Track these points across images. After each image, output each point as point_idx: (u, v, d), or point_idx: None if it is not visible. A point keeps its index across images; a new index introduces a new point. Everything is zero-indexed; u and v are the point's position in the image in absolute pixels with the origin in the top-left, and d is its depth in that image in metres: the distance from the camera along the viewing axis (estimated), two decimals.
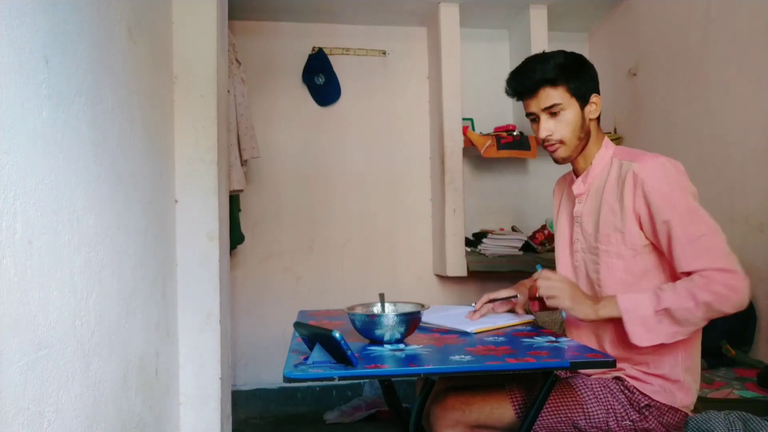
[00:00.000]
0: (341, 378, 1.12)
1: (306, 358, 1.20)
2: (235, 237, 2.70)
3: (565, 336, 1.43)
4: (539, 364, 1.20)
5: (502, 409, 1.38)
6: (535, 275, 1.43)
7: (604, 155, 1.48)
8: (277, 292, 3.18)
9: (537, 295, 1.43)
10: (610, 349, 1.43)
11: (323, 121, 3.26)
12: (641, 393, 1.38)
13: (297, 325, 1.26)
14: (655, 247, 1.37)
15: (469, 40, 3.26)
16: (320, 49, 3.23)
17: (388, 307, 1.47)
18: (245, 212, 3.08)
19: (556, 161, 1.51)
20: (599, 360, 1.22)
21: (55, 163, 1.06)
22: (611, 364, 1.22)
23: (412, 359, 1.22)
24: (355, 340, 1.35)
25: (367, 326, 1.33)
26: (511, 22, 3.32)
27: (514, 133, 3.07)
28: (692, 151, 2.61)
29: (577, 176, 1.53)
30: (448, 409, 1.38)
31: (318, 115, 3.26)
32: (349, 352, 1.13)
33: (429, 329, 1.49)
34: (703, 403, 1.46)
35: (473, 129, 3.24)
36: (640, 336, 1.30)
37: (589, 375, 1.43)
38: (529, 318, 1.57)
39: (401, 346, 1.32)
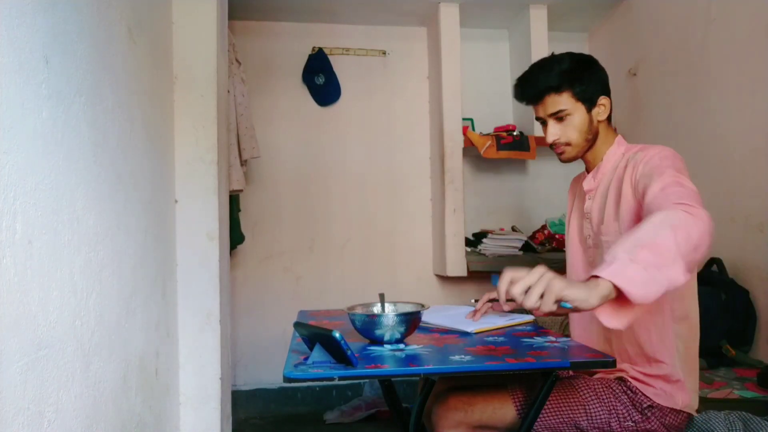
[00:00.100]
0: (341, 378, 1.12)
1: (306, 358, 1.20)
2: (235, 237, 2.70)
3: (565, 336, 1.43)
4: (539, 364, 1.20)
5: (505, 410, 1.38)
6: (501, 286, 1.09)
7: (615, 152, 1.50)
8: (277, 292, 3.18)
9: (528, 308, 1.17)
10: (617, 345, 1.43)
11: (323, 121, 3.26)
12: (643, 394, 1.38)
13: (297, 325, 1.26)
14: None
15: (469, 40, 3.26)
16: (320, 49, 3.23)
17: (388, 307, 1.47)
18: (245, 212, 3.08)
19: (562, 161, 1.54)
20: (599, 360, 1.22)
21: (55, 163, 1.06)
22: (611, 364, 1.22)
23: (412, 359, 1.22)
24: (355, 340, 1.35)
25: (367, 326, 1.33)
26: (511, 22, 3.32)
27: (514, 133, 3.07)
28: (692, 151, 2.61)
29: (588, 172, 1.55)
30: (450, 410, 1.38)
31: (318, 115, 3.26)
32: (349, 352, 1.13)
33: (429, 329, 1.49)
34: (703, 403, 1.46)
35: (473, 129, 3.24)
36: (641, 295, 0.99)
37: (591, 375, 1.43)
38: (529, 318, 1.57)
39: (401, 346, 1.32)
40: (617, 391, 1.39)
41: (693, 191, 1.17)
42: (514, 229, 3.30)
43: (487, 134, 3.09)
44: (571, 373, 1.49)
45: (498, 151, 3.03)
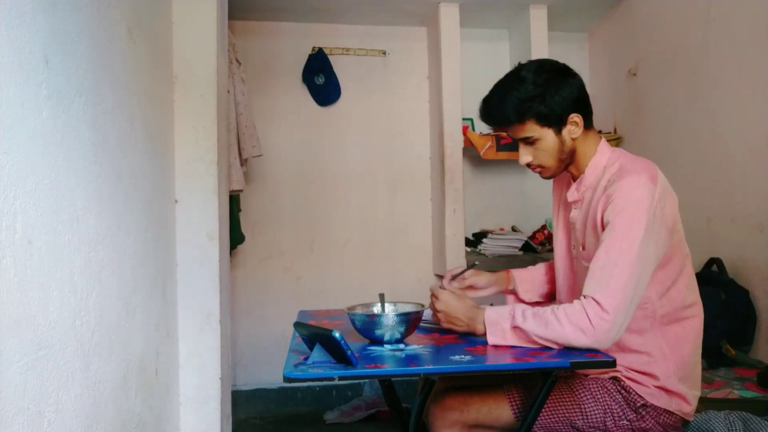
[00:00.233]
0: (341, 378, 1.12)
1: (306, 358, 1.20)
2: (235, 237, 2.70)
3: None
4: (539, 364, 1.20)
5: (500, 409, 1.38)
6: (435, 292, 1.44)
7: (597, 163, 1.43)
8: (277, 292, 3.18)
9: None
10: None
11: (323, 121, 3.26)
12: (637, 393, 1.38)
13: (297, 325, 1.26)
14: None
15: (469, 40, 3.26)
16: (320, 49, 3.23)
17: (388, 307, 1.47)
18: (245, 212, 3.08)
19: (543, 178, 1.51)
20: (599, 360, 1.22)
21: (55, 163, 1.06)
22: (611, 364, 1.23)
23: (412, 359, 1.22)
24: (355, 340, 1.35)
25: (367, 326, 1.33)
26: (511, 22, 3.32)
27: None
28: (692, 151, 2.61)
29: (574, 179, 1.51)
30: (446, 409, 1.39)
31: (318, 115, 3.26)
32: (349, 352, 1.13)
33: (429, 329, 1.49)
34: (703, 403, 1.46)
35: (473, 129, 3.24)
36: (495, 341, 1.32)
37: (586, 375, 1.43)
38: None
39: (401, 346, 1.32)
40: (612, 390, 1.39)
41: (627, 281, 1.25)
42: (514, 229, 3.30)
43: (487, 134, 3.09)
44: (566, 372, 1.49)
45: (498, 151, 3.04)
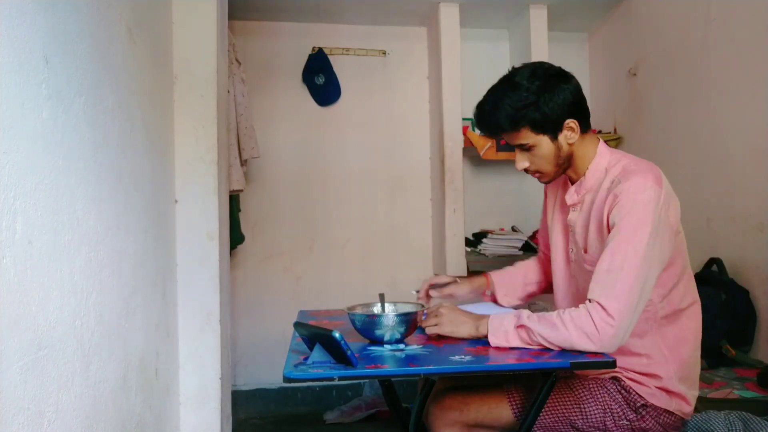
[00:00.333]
0: (341, 378, 1.12)
1: (306, 358, 1.20)
2: (235, 237, 2.70)
3: None
4: (539, 364, 1.20)
5: (500, 409, 1.38)
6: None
7: (598, 165, 1.41)
8: (277, 292, 3.18)
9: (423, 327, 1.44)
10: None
11: (323, 121, 3.26)
12: (637, 393, 1.38)
13: (297, 325, 1.26)
14: None
15: (469, 40, 3.26)
16: (320, 49, 3.23)
17: (388, 308, 1.47)
18: (245, 212, 3.08)
19: (541, 183, 1.51)
20: (600, 360, 1.22)
21: (55, 163, 1.06)
22: (611, 364, 1.23)
23: (411, 359, 1.22)
24: (355, 340, 1.35)
25: (367, 326, 1.33)
26: (511, 22, 3.32)
27: None
28: (692, 151, 2.61)
29: (572, 183, 1.48)
30: (445, 409, 1.39)
31: (318, 115, 3.26)
32: (349, 353, 1.13)
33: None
34: (703, 403, 1.46)
35: (473, 129, 3.24)
36: (497, 342, 1.32)
37: (586, 375, 1.43)
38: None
39: (401, 346, 1.32)
40: (612, 390, 1.39)
41: (632, 285, 1.24)
42: (514, 229, 3.30)
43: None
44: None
45: (497, 152, 3.04)
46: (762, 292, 2.24)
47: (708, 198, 2.51)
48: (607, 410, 1.37)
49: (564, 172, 1.45)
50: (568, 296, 1.52)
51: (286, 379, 1.12)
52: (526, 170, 1.44)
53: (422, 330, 1.47)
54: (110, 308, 1.32)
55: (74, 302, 1.13)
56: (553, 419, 1.38)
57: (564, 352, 1.26)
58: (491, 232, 3.16)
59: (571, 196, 1.47)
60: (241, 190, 2.61)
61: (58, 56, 1.08)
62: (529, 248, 3.08)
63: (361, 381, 3.05)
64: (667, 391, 1.37)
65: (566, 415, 1.38)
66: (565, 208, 1.52)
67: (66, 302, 1.09)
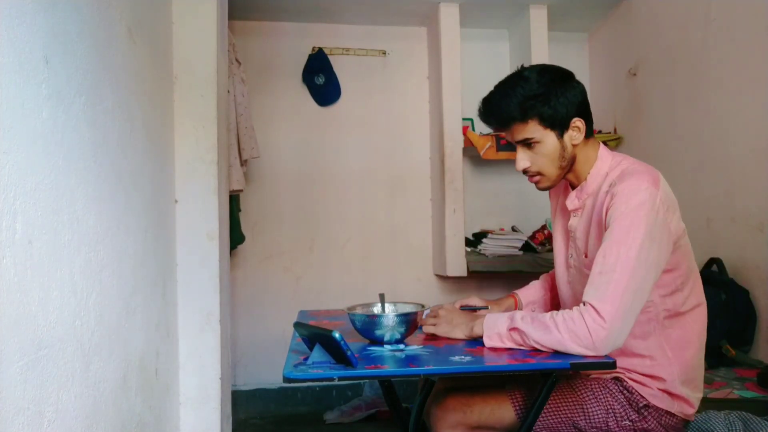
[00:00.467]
0: (341, 378, 1.12)
1: (306, 358, 1.20)
2: (235, 237, 2.70)
3: None
4: (539, 364, 1.20)
5: (503, 411, 1.38)
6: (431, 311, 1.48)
7: (600, 170, 1.40)
8: (277, 292, 3.18)
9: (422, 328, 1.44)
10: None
11: (323, 121, 3.26)
12: (639, 394, 1.38)
13: (297, 325, 1.26)
14: None
15: (469, 40, 3.26)
16: (320, 49, 3.23)
17: (388, 308, 1.47)
18: (245, 212, 3.08)
19: (539, 189, 1.47)
20: (600, 361, 1.22)
21: (55, 163, 1.06)
22: (612, 365, 1.22)
23: (412, 360, 1.22)
24: (355, 341, 1.35)
25: (367, 326, 1.33)
26: (511, 22, 3.32)
27: None
28: (692, 151, 2.61)
29: (572, 188, 1.47)
30: (448, 411, 1.38)
31: (318, 115, 3.26)
32: (349, 353, 1.13)
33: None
34: (703, 403, 1.46)
35: (473, 129, 3.24)
36: (491, 344, 1.31)
37: (588, 375, 1.43)
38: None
39: (401, 346, 1.32)
40: (614, 390, 1.39)
41: (624, 287, 1.23)
42: (514, 229, 3.30)
43: (487, 134, 3.09)
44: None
45: (497, 152, 3.04)
46: (762, 292, 2.24)
47: (708, 198, 2.51)
48: (610, 411, 1.37)
49: (564, 176, 1.44)
50: (569, 303, 1.52)
51: (286, 379, 1.12)
52: (526, 172, 1.42)
53: (422, 329, 1.47)
54: (110, 308, 1.32)
55: (74, 302, 1.13)
56: (555, 420, 1.37)
57: (563, 352, 1.26)
58: (491, 232, 3.17)
59: (572, 201, 1.45)
60: (241, 190, 2.61)
61: (58, 56, 1.08)
62: (529, 248, 3.08)
63: (361, 381, 3.05)
64: (670, 394, 1.37)
65: (569, 415, 1.37)
66: (566, 214, 1.51)
67: (66, 302, 1.09)
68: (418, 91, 3.33)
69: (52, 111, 1.05)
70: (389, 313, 1.40)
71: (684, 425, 1.41)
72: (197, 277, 1.96)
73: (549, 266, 2.62)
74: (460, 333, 1.38)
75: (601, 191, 1.37)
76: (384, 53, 3.32)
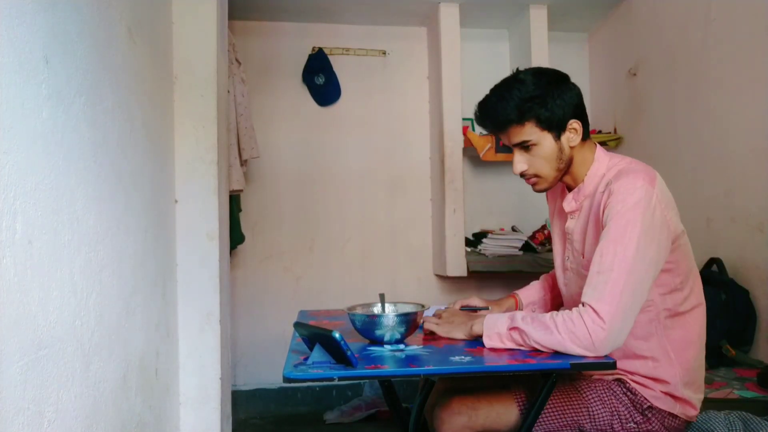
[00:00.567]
0: (341, 378, 1.12)
1: (306, 358, 1.20)
2: (235, 237, 2.70)
3: None
4: (539, 365, 1.20)
5: (509, 413, 1.37)
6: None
7: (596, 171, 1.40)
8: (277, 292, 3.18)
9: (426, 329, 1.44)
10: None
11: (323, 121, 3.26)
12: (642, 396, 1.37)
13: (297, 325, 1.26)
14: None
15: (469, 40, 3.26)
16: (320, 49, 3.23)
17: (388, 308, 1.47)
18: (245, 212, 3.08)
19: (536, 191, 1.47)
20: (600, 362, 1.22)
21: (55, 163, 1.06)
22: (612, 365, 1.22)
23: (412, 360, 1.22)
24: (355, 341, 1.35)
25: (367, 326, 1.33)
26: (511, 22, 3.32)
27: None
28: (692, 150, 2.61)
29: (569, 190, 1.47)
30: (453, 414, 1.37)
31: (318, 115, 3.26)
32: (349, 353, 1.13)
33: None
34: (703, 403, 1.46)
35: (473, 129, 3.24)
36: (491, 344, 1.31)
37: (591, 377, 1.43)
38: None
39: (401, 346, 1.32)
40: (618, 392, 1.39)
41: (622, 287, 1.22)
42: (514, 229, 3.30)
43: (487, 135, 3.09)
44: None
45: (497, 153, 3.04)
46: (762, 292, 2.24)
47: (708, 198, 2.51)
48: (615, 413, 1.37)
49: (561, 179, 1.44)
50: (567, 305, 1.53)
51: (286, 379, 1.11)
52: (523, 174, 1.42)
53: (423, 326, 1.47)
54: (110, 308, 1.32)
55: (74, 302, 1.13)
56: (560, 422, 1.37)
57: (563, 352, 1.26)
58: (491, 232, 3.17)
59: (569, 203, 1.45)
60: (241, 190, 2.61)
61: (58, 56, 1.08)
62: (528, 248, 3.08)
63: (361, 381, 3.05)
64: (673, 396, 1.36)
65: (574, 418, 1.37)
66: (563, 216, 1.51)
67: (66, 302, 1.09)
68: (418, 91, 3.33)
69: (52, 111, 1.05)
70: (389, 313, 1.40)
71: (686, 426, 1.41)
72: (197, 277, 1.96)
73: (549, 266, 2.62)
74: (459, 333, 1.37)
75: (598, 191, 1.37)
76: (384, 53, 3.32)
